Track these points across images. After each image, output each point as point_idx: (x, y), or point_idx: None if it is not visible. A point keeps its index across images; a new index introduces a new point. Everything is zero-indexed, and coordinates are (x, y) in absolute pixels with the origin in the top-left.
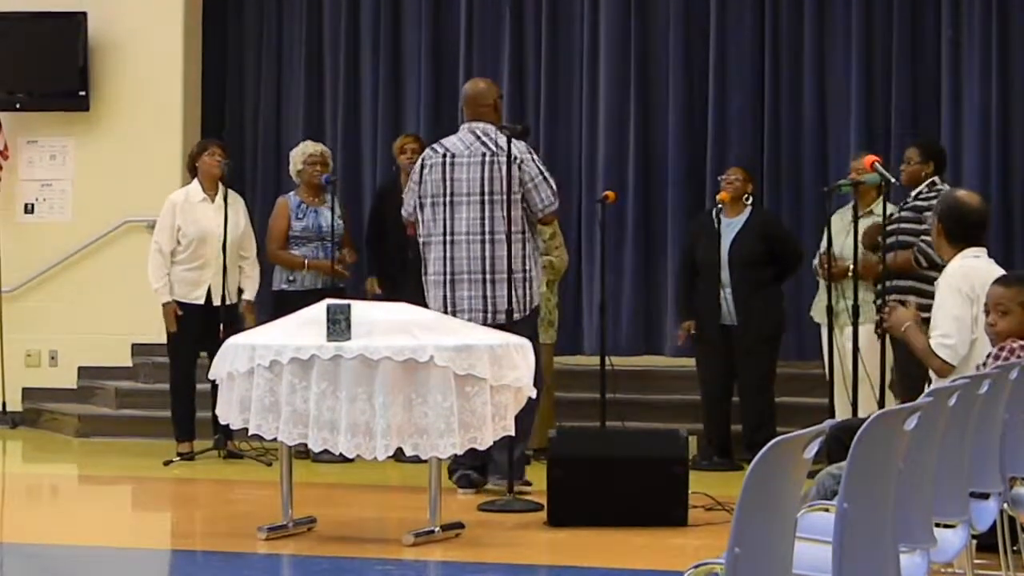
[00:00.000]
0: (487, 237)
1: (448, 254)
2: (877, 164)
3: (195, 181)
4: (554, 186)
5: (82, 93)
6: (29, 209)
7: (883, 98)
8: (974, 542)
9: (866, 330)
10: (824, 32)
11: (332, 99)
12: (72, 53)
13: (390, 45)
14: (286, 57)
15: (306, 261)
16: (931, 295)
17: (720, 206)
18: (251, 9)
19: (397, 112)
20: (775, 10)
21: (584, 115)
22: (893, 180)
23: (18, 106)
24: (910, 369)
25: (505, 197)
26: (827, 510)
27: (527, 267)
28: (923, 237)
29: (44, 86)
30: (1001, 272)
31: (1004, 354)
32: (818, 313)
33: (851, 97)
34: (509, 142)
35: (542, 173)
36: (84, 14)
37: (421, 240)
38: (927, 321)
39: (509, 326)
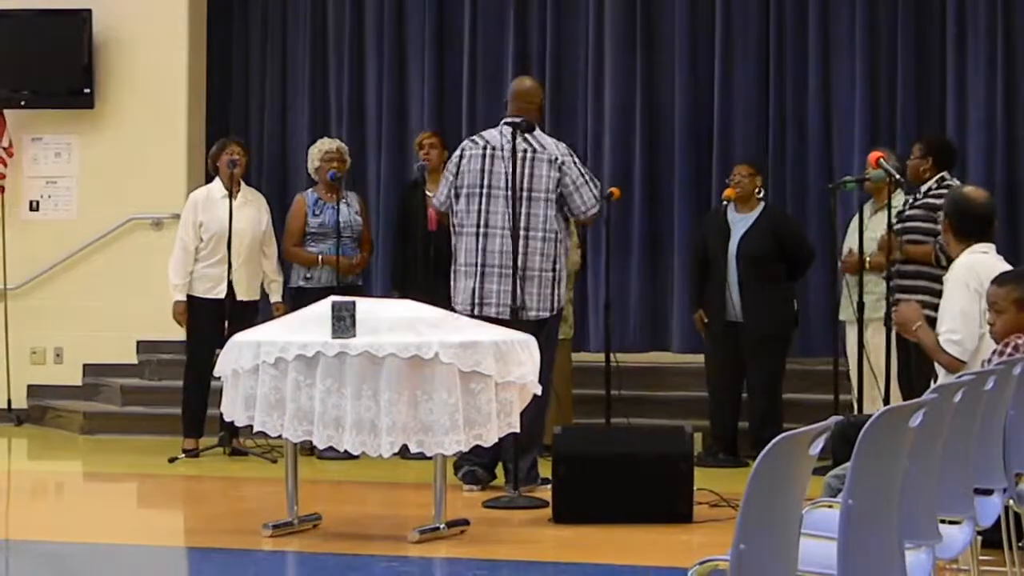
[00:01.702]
0: (521, 233)
1: (480, 246)
2: (882, 160)
3: (216, 179)
4: (596, 188)
5: (87, 90)
6: (34, 206)
7: (888, 94)
8: (979, 538)
9: (874, 328)
10: (829, 28)
11: (337, 95)
12: (77, 50)
13: (394, 41)
14: (290, 53)
15: (320, 257)
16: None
17: (727, 203)
18: (256, 6)
19: (402, 108)
20: (780, 6)
21: (589, 111)
22: (898, 176)
23: (23, 103)
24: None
25: (509, 193)
26: (832, 507)
27: (557, 267)
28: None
29: (49, 83)
30: (1007, 268)
31: (1008, 350)
32: (844, 310)
33: (856, 94)
34: (514, 137)
35: (583, 175)
36: (89, 11)
37: (454, 230)
38: (933, 321)
39: (535, 324)
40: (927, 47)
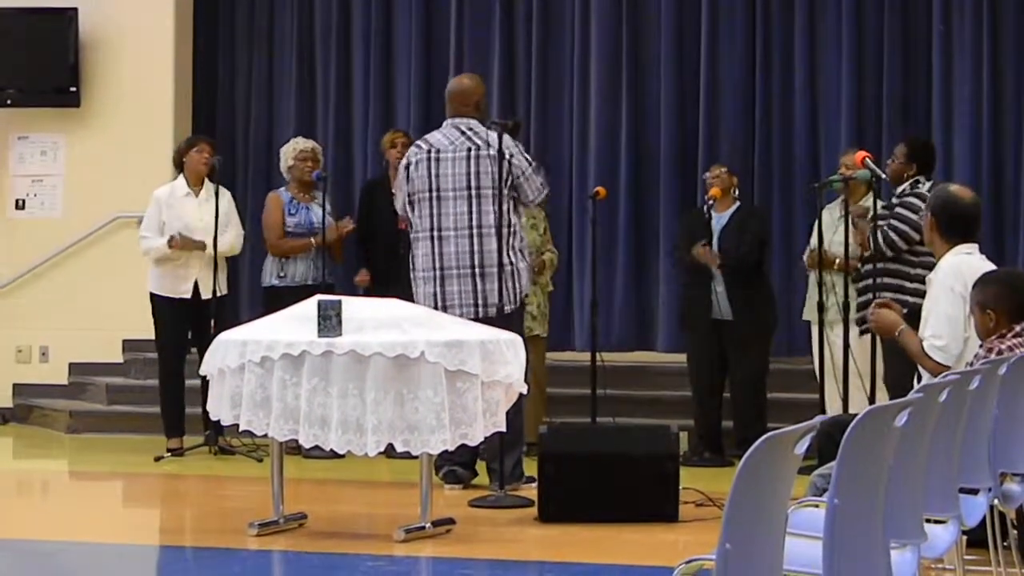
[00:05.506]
0: (475, 231)
1: (436, 250)
2: (868, 160)
3: (180, 176)
4: (541, 175)
5: (73, 89)
6: (20, 205)
7: (874, 93)
8: (964, 538)
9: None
10: (815, 28)
11: (323, 95)
12: (63, 49)
13: (381, 41)
14: (277, 53)
15: (312, 240)
16: (911, 292)
17: (711, 202)
18: (242, 5)
19: (388, 108)
20: (766, 6)
21: (575, 111)
22: (883, 176)
23: (9, 102)
24: (902, 365)
25: (496, 192)
26: (818, 506)
27: (514, 260)
28: (891, 221)
29: (35, 82)
30: (991, 267)
31: (992, 356)
32: (808, 311)
33: (842, 93)
34: (500, 138)
35: (531, 164)
36: (75, 10)
37: (411, 236)
38: (906, 317)
39: (499, 319)
40: (914, 46)
